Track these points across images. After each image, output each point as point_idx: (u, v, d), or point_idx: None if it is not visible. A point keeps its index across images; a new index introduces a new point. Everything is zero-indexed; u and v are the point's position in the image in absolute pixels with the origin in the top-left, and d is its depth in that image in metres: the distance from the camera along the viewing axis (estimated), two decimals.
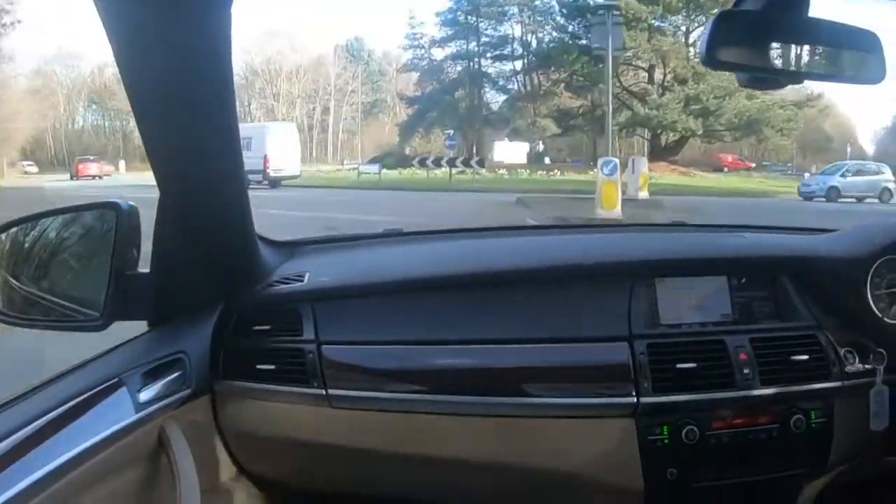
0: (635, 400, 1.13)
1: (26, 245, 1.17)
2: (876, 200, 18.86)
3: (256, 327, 1.18)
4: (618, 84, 26.76)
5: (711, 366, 1.15)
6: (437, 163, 23.96)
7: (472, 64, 33.64)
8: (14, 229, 1.15)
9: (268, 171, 19.22)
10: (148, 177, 1.06)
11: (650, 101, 27.25)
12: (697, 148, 30.03)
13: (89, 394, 0.98)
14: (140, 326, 1.16)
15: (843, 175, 19.76)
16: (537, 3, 32.34)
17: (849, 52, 0.91)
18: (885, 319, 1.22)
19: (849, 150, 29.92)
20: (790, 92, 24.65)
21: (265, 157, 19.27)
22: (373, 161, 28.11)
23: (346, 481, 1.23)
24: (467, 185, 20.35)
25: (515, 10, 32.85)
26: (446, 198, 15.77)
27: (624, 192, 11.42)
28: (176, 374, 1.07)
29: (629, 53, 26.30)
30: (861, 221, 1.40)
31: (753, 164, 31.68)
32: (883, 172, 20.26)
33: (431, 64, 34.74)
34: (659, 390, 1.13)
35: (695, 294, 1.23)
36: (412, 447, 1.17)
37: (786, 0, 0.87)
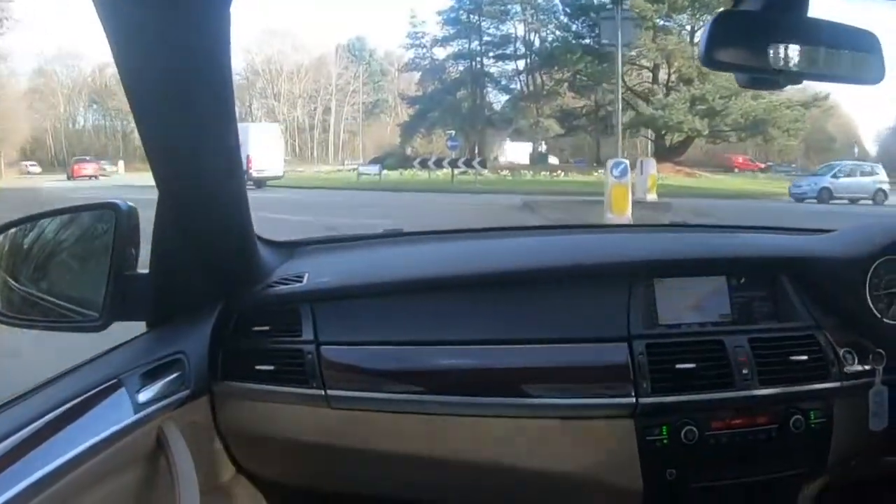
0: (634, 400, 1.13)
1: (25, 246, 1.17)
2: (870, 202, 18.45)
3: (255, 328, 1.18)
4: (622, 84, 26.68)
5: (710, 366, 1.15)
6: (439, 164, 23.90)
7: (474, 63, 33.48)
8: (13, 230, 1.15)
9: (251, 171, 19.01)
10: (147, 177, 1.06)
11: (655, 101, 27.03)
12: (701, 148, 29.94)
13: (88, 394, 0.98)
14: (139, 327, 1.16)
15: (835, 176, 19.37)
16: (540, 1, 32.18)
17: (848, 52, 0.91)
18: (884, 320, 1.22)
19: (856, 150, 29.78)
20: (796, 92, 24.54)
21: (248, 157, 19.06)
22: (373, 162, 28.01)
23: (345, 482, 1.23)
24: (469, 186, 20.23)
25: (518, 8, 32.65)
26: (447, 200, 15.28)
27: (632, 195, 10.91)
28: (175, 375, 1.08)
29: (633, 53, 26.20)
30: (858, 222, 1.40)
31: (763, 165, 31.60)
32: (877, 173, 19.79)
33: (433, 63, 34.60)
34: (658, 391, 1.13)
35: (694, 294, 1.23)
36: (411, 448, 1.17)
37: (785, 0, 0.86)
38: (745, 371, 1.15)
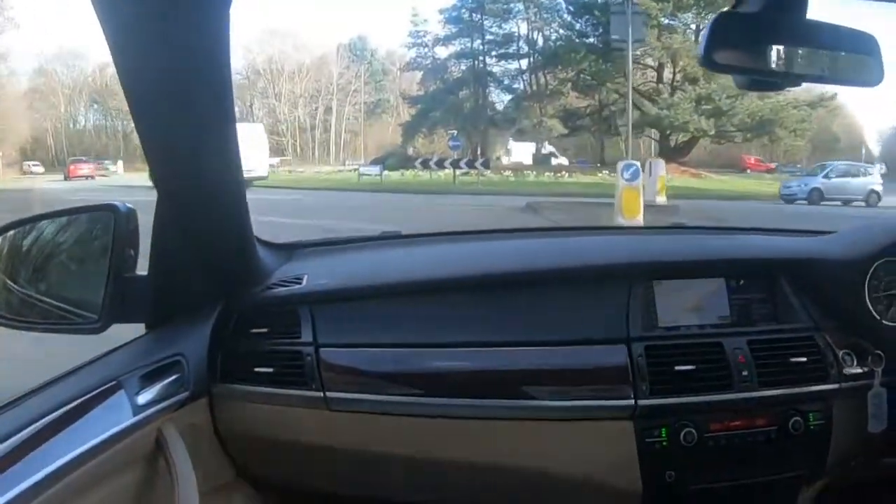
0: (633, 402, 1.13)
1: (24, 248, 1.17)
2: (863, 204, 18.00)
3: (254, 330, 1.18)
4: (626, 84, 26.56)
5: (709, 368, 1.15)
6: (441, 164, 23.83)
7: (476, 63, 33.42)
8: (12, 232, 1.16)
9: None
10: (144, 177, 1.06)
11: (661, 100, 26.92)
12: (705, 148, 29.85)
13: (87, 396, 0.99)
14: (138, 329, 1.16)
15: (826, 176, 18.96)
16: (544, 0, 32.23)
17: (847, 54, 0.91)
18: (883, 321, 1.22)
19: (864, 151, 29.59)
20: (803, 91, 24.35)
21: None
22: (374, 162, 27.94)
23: (344, 484, 1.23)
24: (472, 187, 20.12)
25: (521, 7, 32.55)
26: (449, 202, 14.73)
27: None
28: (174, 377, 1.08)
29: (638, 52, 26.06)
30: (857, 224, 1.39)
31: (774, 166, 31.50)
32: (871, 174, 19.52)
33: (435, 63, 34.54)
34: (657, 392, 1.13)
35: (693, 296, 1.23)
36: (410, 450, 1.17)
37: (784, 2, 0.86)
38: (744, 373, 1.15)
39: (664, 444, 1.14)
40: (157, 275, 1.11)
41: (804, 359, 1.18)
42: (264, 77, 40.83)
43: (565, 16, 31.50)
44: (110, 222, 1.07)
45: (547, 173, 25.88)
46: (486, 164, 24.18)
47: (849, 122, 34.71)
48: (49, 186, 21.60)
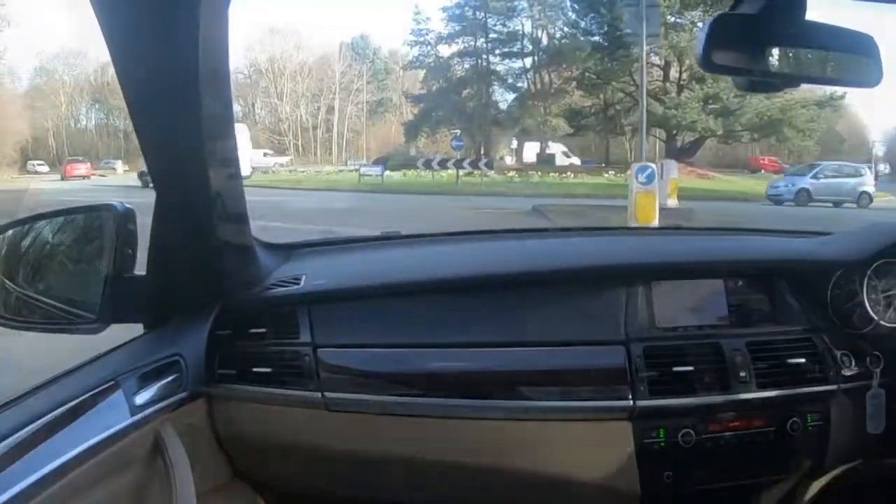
0: (632, 403, 1.12)
1: (22, 248, 1.18)
2: (854, 205, 17.39)
3: (253, 330, 1.18)
4: (632, 82, 26.37)
5: (707, 369, 1.15)
6: (444, 164, 23.73)
7: (479, 61, 33.20)
8: (9, 232, 1.16)
9: None
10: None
11: (668, 99, 26.55)
12: (711, 149, 29.68)
13: (85, 396, 0.99)
14: (136, 329, 1.16)
15: (815, 176, 18.42)
16: None
17: (846, 55, 0.90)
18: (882, 322, 1.21)
19: (872, 151, 29.26)
20: (811, 91, 24.15)
21: None
22: (376, 162, 27.73)
23: (343, 484, 1.23)
24: (475, 188, 19.95)
25: (525, 4, 32.29)
26: (451, 205, 13.94)
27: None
28: (172, 377, 1.08)
29: (645, 49, 25.93)
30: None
31: (788, 166, 31.33)
32: (862, 175, 18.90)
33: (438, 61, 34.23)
34: (655, 393, 1.13)
35: (691, 297, 1.23)
36: (408, 450, 1.17)
37: (783, 3, 0.86)
38: (742, 374, 1.15)
39: (662, 444, 1.14)
40: (156, 275, 1.11)
41: (802, 360, 1.18)
42: (266, 76, 40.84)
43: (570, 13, 31.21)
44: (109, 222, 1.07)
45: (552, 174, 25.69)
46: (489, 165, 24.07)
47: (854, 122, 34.56)
48: (43, 187, 21.31)
